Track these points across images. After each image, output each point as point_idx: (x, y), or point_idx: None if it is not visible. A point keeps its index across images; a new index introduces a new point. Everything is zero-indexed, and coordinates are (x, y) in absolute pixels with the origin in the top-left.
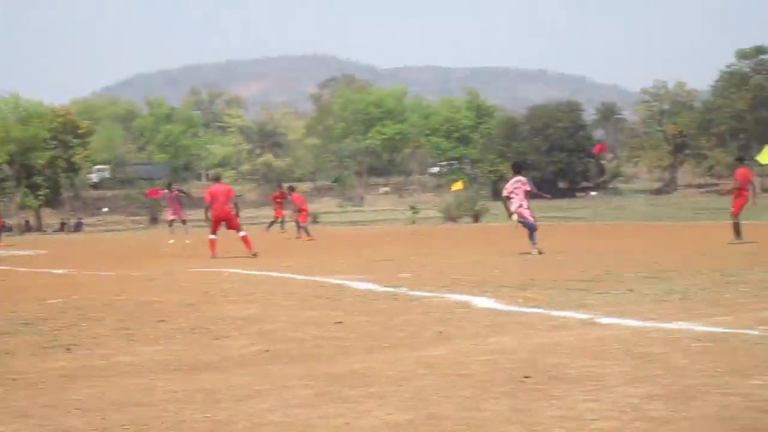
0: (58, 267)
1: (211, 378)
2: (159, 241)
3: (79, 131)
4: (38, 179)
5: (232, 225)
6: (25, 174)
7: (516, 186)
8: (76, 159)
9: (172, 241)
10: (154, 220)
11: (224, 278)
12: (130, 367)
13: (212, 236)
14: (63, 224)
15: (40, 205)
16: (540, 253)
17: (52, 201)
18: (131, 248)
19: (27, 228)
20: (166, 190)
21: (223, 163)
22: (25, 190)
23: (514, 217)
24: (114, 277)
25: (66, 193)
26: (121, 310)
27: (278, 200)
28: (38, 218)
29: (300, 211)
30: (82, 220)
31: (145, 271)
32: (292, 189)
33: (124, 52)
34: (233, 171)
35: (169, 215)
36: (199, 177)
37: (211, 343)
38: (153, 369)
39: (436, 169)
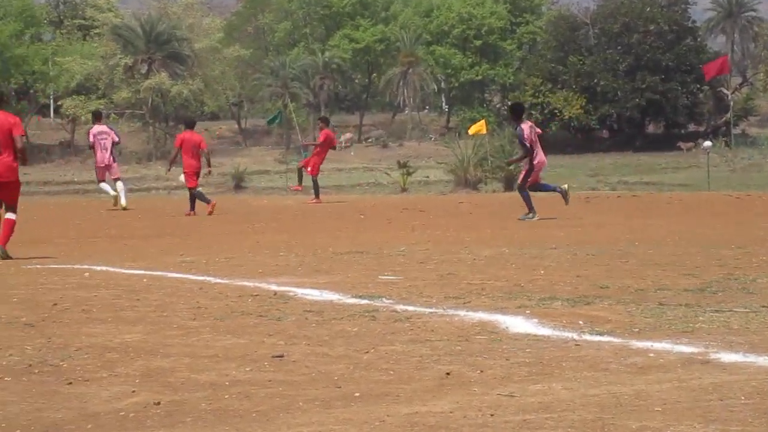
0: None
1: None
2: None
3: None
4: None
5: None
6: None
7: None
8: None
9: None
10: None
11: (85, 281)
12: None
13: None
14: None
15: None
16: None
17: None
18: None
19: None
20: (98, 126)
21: (83, 88)
22: None
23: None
24: None
25: None
26: None
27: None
28: None
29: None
30: None
31: None
32: (326, 122)
33: None
34: (101, 100)
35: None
36: (45, 110)
37: (62, 390)
38: None
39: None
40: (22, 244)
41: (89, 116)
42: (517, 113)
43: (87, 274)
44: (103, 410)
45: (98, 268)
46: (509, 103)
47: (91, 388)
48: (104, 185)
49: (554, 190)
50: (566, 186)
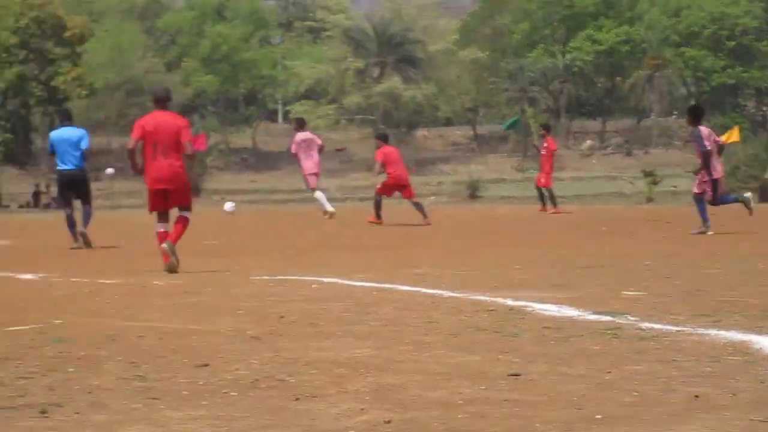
0: (28, 268)
1: None
2: (211, 222)
3: (66, 34)
4: None
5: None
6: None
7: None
8: (60, 81)
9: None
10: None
11: (314, 293)
12: None
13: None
14: (37, 195)
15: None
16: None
17: (19, 154)
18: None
19: None
20: (302, 133)
21: (313, 93)
22: None
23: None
24: (124, 287)
25: (43, 142)
26: (135, 346)
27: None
28: None
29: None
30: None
31: (177, 277)
32: (548, 129)
33: None
34: (332, 105)
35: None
36: (273, 116)
37: (289, 406)
38: None
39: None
40: (249, 254)
41: (319, 122)
42: (696, 115)
43: (315, 285)
44: (331, 428)
45: (327, 279)
46: (692, 105)
47: (319, 405)
48: (319, 194)
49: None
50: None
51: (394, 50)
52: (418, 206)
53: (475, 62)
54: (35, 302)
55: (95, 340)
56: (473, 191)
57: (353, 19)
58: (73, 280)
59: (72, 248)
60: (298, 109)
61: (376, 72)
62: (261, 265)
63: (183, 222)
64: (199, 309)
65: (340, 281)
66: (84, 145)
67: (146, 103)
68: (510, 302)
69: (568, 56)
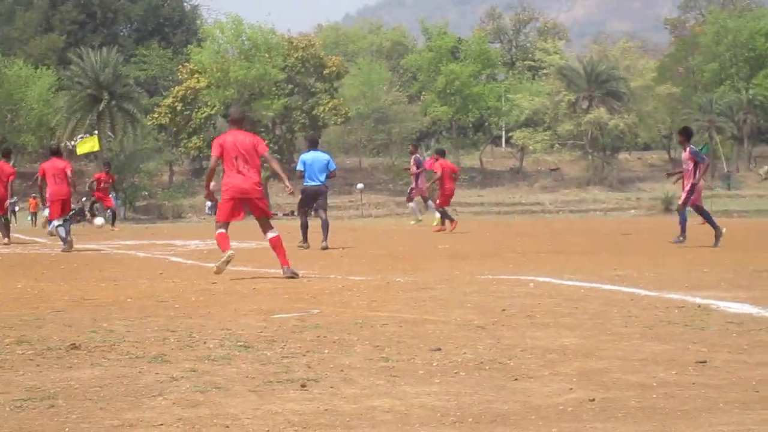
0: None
1: None
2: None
3: (325, 72)
4: (266, 139)
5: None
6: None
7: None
8: (319, 111)
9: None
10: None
11: (530, 290)
12: (390, 416)
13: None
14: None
15: (267, 178)
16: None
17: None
18: (400, 243)
19: None
20: (416, 156)
21: (531, 121)
22: None
23: None
24: (370, 283)
25: None
26: (379, 332)
27: None
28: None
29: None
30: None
31: (414, 275)
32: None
33: None
34: (547, 132)
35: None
36: (498, 141)
37: (508, 385)
38: (423, 420)
39: None
40: (476, 257)
41: (536, 146)
42: (685, 136)
43: (532, 284)
44: (544, 404)
45: (542, 279)
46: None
47: (533, 385)
48: (413, 205)
49: (712, 224)
50: (724, 230)
51: (600, 86)
52: (445, 213)
53: (670, 96)
54: (297, 294)
55: (346, 327)
56: (667, 206)
57: (566, 60)
58: (329, 276)
59: (299, 247)
60: (518, 135)
61: (585, 104)
62: (486, 266)
63: (278, 242)
64: (433, 302)
65: (552, 281)
66: (332, 166)
67: (391, 129)
68: (698, 300)
69: (751, 91)
